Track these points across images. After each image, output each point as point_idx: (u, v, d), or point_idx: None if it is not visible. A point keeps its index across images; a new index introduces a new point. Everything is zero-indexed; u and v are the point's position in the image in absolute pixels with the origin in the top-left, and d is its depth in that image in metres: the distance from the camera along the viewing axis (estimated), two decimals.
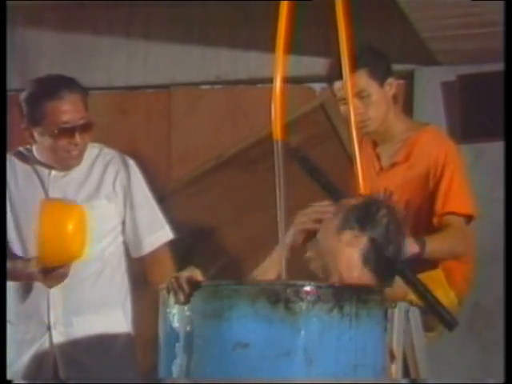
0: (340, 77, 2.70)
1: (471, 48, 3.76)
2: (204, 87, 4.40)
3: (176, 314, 1.94)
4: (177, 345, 1.93)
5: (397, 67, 4.09)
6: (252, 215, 4.20)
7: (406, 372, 2.41)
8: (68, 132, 2.63)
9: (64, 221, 2.49)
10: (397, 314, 2.32)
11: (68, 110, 2.64)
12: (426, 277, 2.63)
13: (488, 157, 3.98)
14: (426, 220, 2.67)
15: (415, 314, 2.46)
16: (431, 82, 4.07)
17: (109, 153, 2.80)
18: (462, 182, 2.71)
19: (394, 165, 2.76)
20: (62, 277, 2.56)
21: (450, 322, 2.24)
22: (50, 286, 2.58)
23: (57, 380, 2.67)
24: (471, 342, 3.94)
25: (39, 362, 2.68)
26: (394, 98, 2.83)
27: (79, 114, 2.65)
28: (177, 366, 1.93)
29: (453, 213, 2.65)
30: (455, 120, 4.04)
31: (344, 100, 2.74)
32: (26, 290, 2.70)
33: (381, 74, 2.75)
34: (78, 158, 2.71)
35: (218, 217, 4.19)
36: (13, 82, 4.42)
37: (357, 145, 2.37)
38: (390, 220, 2.13)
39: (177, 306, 1.94)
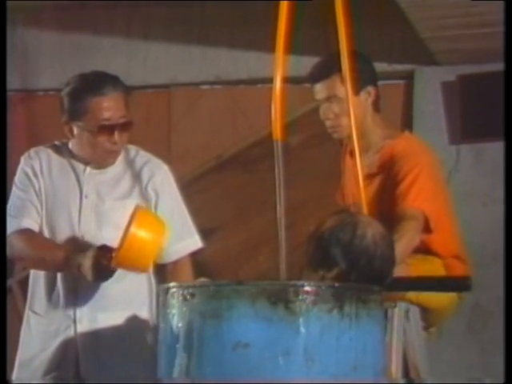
0: (319, 79, 2.72)
1: (471, 48, 3.76)
2: (204, 87, 4.40)
3: (176, 314, 1.94)
4: (177, 345, 1.93)
5: (397, 67, 4.12)
6: (252, 215, 4.20)
7: (405, 372, 2.41)
8: (108, 129, 2.64)
9: (156, 231, 2.54)
10: (397, 313, 2.32)
11: (110, 107, 2.63)
12: (423, 260, 2.63)
13: (488, 157, 3.98)
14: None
15: (415, 313, 2.46)
16: (431, 82, 4.07)
17: (144, 156, 2.80)
18: (427, 183, 2.62)
19: (368, 175, 2.71)
20: (110, 276, 2.56)
21: (465, 286, 2.22)
22: (94, 281, 2.57)
23: (78, 377, 2.68)
24: (471, 342, 3.94)
25: (62, 355, 2.68)
26: (374, 105, 2.75)
27: (120, 112, 2.65)
28: (177, 366, 1.93)
29: (407, 207, 2.58)
30: (455, 120, 4.04)
31: (319, 102, 2.74)
32: (55, 282, 2.70)
33: (357, 82, 2.56)
34: (115, 157, 2.72)
35: (218, 217, 4.19)
36: (13, 82, 4.44)
37: (357, 147, 2.37)
38: (368, 243, 2.09)
39: (177, 306, 1.94)
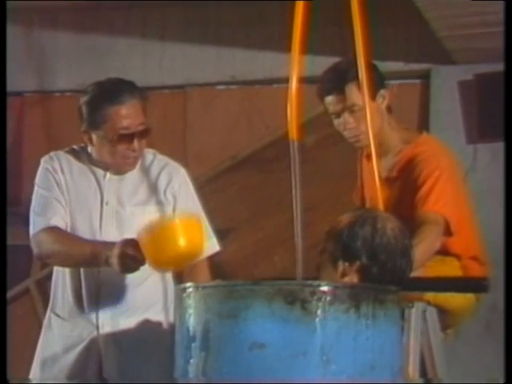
0: (331, 92, 2.66)
1: (488, 47, 3.73)
2: (219, 87, 4.40)
3: (192, 314, 1.95)
4: (193, 345, 1.93)
5: (413, 66, 4.11)
6: (267, 215, 4.19)
7: (423, 372, 2.40)
8: (127, 138, 2.64)
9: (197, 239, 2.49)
10: (414, 313, 2.31)
11: (128, 114, 2.63)
12: (440, 262, 2.61)
13: None
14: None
15: (432, 313, 2.45)
16: (448, 82, 4.05)
17: (162, 159, 2.80)
18: (447, 186, 2.60)
19: (388, 179, 2.70)
20: (137, 268, 2.51)
21: (482, 287, 2.21)
22: (122, 272, 2.53)
23: (101, 379, 2.69)
24: (489, 342, 3.92)
25: (85, 359, 2.69)
26: (388, 108, 2.73)
27: (138, 119, 2.65)
28: (193, 366, 1.93)
29: (428, 211, 2.55)
30: (472, 119, 4.02)
31: (335, 114, 2.68)
32: (79, 289, 2.71)
33: (372, 87, 2.54)
34: (135, 164, 2.73)
35: (233, 217, 4.19)
36: (29, 83, 4.46)
37: (374, 152, 2.36)
38: (386, 238, 2.10)
39: (193, 306, 1.94)
